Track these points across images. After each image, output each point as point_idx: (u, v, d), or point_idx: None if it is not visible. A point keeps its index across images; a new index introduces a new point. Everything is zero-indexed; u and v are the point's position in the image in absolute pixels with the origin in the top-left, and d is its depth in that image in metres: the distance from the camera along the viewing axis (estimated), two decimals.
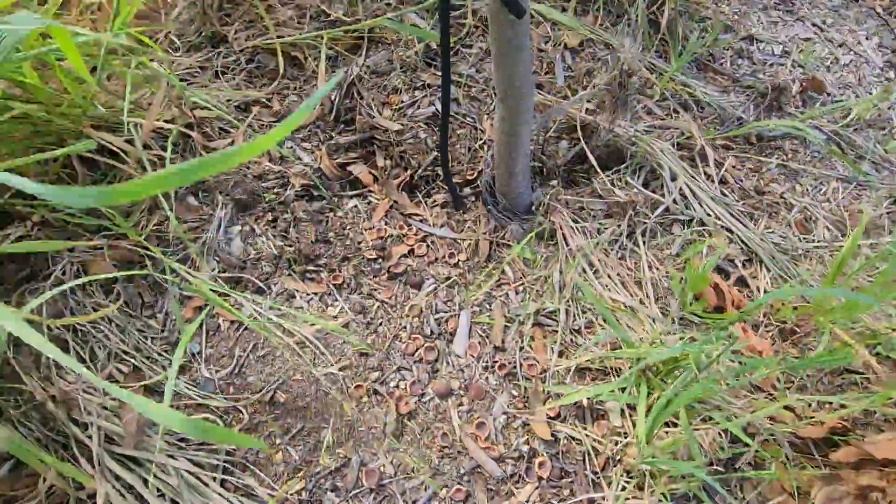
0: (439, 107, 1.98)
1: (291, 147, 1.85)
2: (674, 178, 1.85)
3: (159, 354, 1.44)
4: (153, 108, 1.59)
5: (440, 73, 1.96)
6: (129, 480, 1.21)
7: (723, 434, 1.31)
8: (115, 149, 1.54)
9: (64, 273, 1.46)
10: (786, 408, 1.43)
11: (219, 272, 1.57)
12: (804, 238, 1.85)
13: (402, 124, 1.92)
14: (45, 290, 1.28)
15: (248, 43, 2.03)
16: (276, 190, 1.75)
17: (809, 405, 1.48)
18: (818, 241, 1.85)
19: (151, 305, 1.53)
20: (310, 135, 1.89)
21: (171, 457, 1.26)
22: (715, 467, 1.26)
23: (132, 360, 1.40)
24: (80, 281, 1.34)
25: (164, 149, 1.66)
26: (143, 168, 1.61)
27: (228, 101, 1.90)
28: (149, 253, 1.55)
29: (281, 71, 1.98)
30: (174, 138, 1.68)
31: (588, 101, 1.95)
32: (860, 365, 1.57)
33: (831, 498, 1.34)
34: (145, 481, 1.23)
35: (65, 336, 1.36)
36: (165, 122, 1.69)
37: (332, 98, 1.93)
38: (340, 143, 1.87)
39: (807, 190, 2.01)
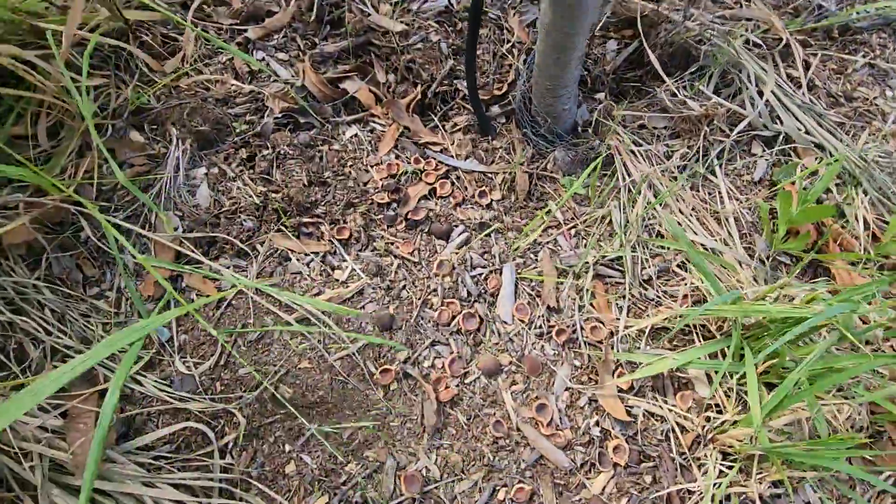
0: None
1: (263, 59, 1.40)
2: (755, 84, 1.47)
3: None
4: (74, 9, 1.10)
5: None
6: None
7: (861, 410, 1.05)
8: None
9: None
10: None
11: (184, 231, 1.18)
12: None
13: (407, 23, 1.46)
14: None
15: None
16: (248, 118, 1.32)
17: None
18: None
19: (97, 281, 1.15)
20: (286, 41, 1.43)
21: (149, 484, 0.94)
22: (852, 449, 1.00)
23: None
24: None
25: (97, 68, 1.21)
26: (66, 93, 1.16)
27: None
28: (83, 210, 1.14)
29: None
30: (103, 50, 1.21)
31: None
32: None
33: None
34: None
35: None
36: (90, 31, 1.21)
37: None
38: (327, 53, 1.42)
39: None
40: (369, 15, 1.44)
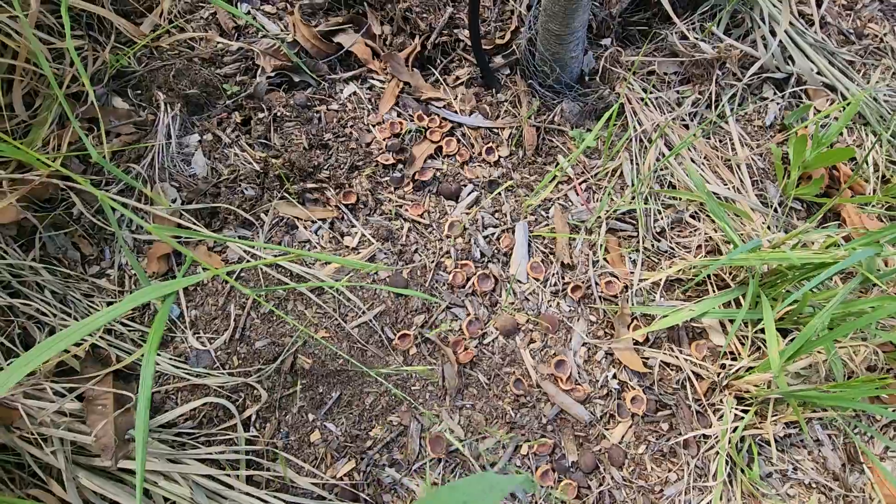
0: None
1: (249, 12, 1.29)
2: (768, 23, 1.41)
3: (123, 325, 1.05)
4: None
5: None
6: (123, 501, 0.89)
7: (878, 352, 1.07)
8: None
9: None
10: None
11: (183, 203, 1.12)
12: None
13: None
14: None
15: None
16: (239, 78, 1.24)
17: None
18: None
19: (96, 259, 1.09)
20: None
21: (174, 461, 0.93)
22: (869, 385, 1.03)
23: (86, 339, 1.01)
24: None
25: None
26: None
27: None
28: (73, 185, 1.08)
29: None
30: (74, 7, 1.10)
31: None
32: None
33: None
34: (147, 493, 0.92)
35: None
36: None
37: None
38: (317, 3, 1.32)
39: None
40: None
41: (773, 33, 1.38)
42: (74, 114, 1.14)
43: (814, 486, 1.14)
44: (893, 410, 1.14)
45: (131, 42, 1.20)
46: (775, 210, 1.29)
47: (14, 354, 0.94)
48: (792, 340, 1.04)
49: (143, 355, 0.87)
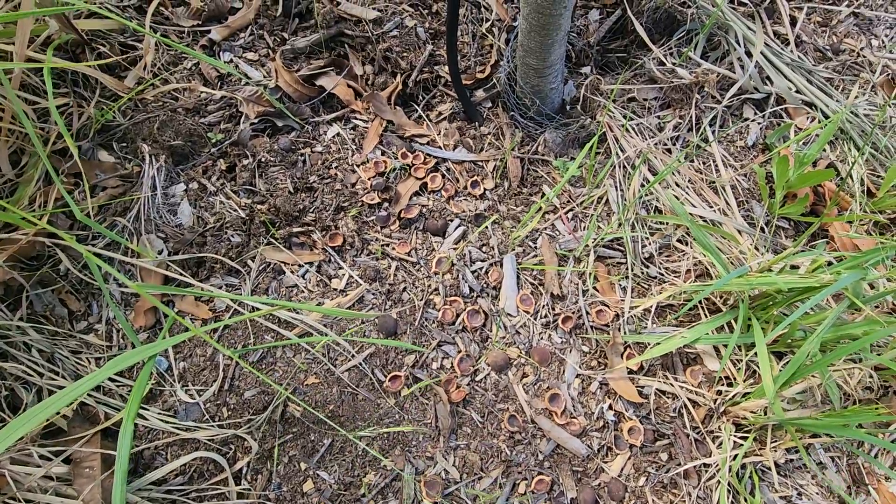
0: None
1: (231, 61, 1.32)
2: (743, 45, 1.43)
3: (111, 380, 1.04)
4: (23, 26, 1.01)
5: None
6: None
7: (872, 373, 1.06)
8: None
9: None
10: None
11: (169, 254, 1.13)
12: (894, 103, 1.51)
13: (380, 9, 1.38)
14: None
15: None
16: (223, 126, 1.25)
17: None
18: None
19: (84, 315, 1.09)
20: (253, 39, 1.35)
21: None
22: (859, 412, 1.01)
23: None
24: None
25: (53, 86, 1.12)
26: (25, 116, 1.08)
27: (122, 1, 1.30)
28: (59, 241, 1.08)
29: None
30: (50, 63, 1.12)
31: None
32: None
33: None
34: None
35: None
36: (42, 47, 1.12)
37: None
38: (299, 48, 1.34)
39: (883, 42, 1.64)
40: (339, 4, 1.36)
41: (749, 55, 1.40)
42: (60, 170, 1.15)
43: None
44: (891, 438, 1.12)
45: (116, 96, 1.22)
46: (762, 230, 1.29)
47: (0, 419, 0.94)
48: (786, 364, 1.03)
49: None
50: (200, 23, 1.32)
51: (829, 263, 1.07)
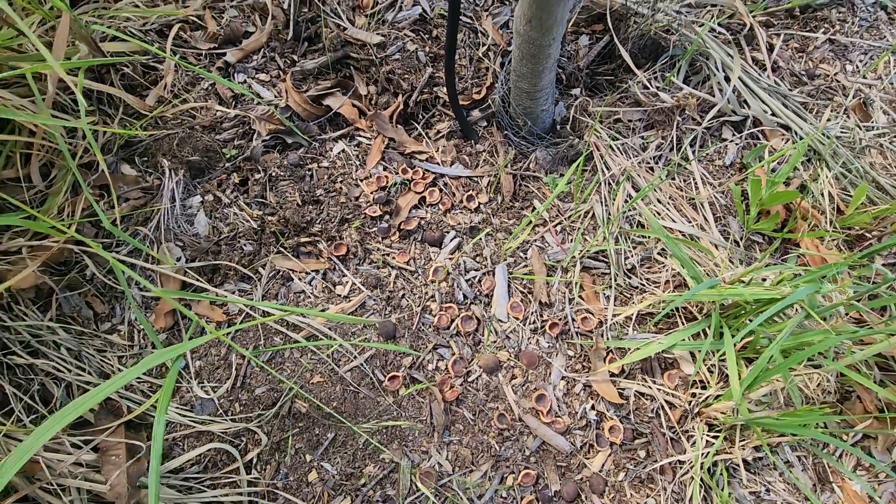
0: (428, 5, 1.54)
1: (245, 81, 1.42)
2: (722, 70, 1.53)
3: (135, 378, 1.13)
4: (57, 49, 1.11)
5: None
6: None
7: (830, 377, 1.15)
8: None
9: None
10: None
11: (187, 261, 1.22)
12: (864, 126, 1.60)
13: (383, 35, 1.48)
14: None
15: None
16: (237, 142, 1.35)
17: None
18: (879, 128, 1.61)
19: (108, 317, 1.19)
20: (265, 62, 1.45)
21: None
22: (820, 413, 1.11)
23: None
24: None
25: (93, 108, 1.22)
26: (53, 138, 1.18)
27: (144, 25, 1.40)
28: (86, 248, 1.18)
29: None
30: (82, 85, 1.22)
31: None
32: None
33: None
34: None
35: None
36: (69, 72, 1.22)
37: (285, 6, 1.46)
38: (307, 69, 1.44)
39: (857, 67, 1.74)
40: (345, 29, 1.47)
41: (728, 80, 1.50)
42: (87, 182, 1.25)
43: None
44: (851, 440, 1.22)
45: (138, 114, 1.32)
46: (737, 244, 1.39)
47: (34, 411, 1.03)
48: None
49: (152, 406, 0.96)
50: (217, 46, 1.42)
51: (797, 276, 1.16)
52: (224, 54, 1.41)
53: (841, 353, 1.15)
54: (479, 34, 1.56)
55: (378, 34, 1.47)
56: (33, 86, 1.10)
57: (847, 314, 1.29)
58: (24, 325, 1.10)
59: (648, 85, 1.49)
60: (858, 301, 1.10)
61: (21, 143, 1.24)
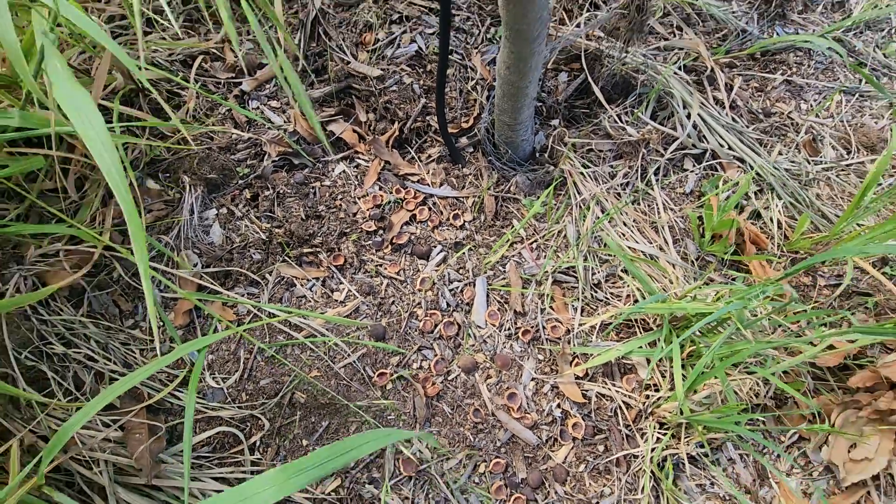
0: (423, 44, 1.72)
1: (258, 108, 1.59)
2: (684, 107, 1.71)
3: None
4: (99, 78, 1.27)
5: (418, 2, 1.69)
6: None
7: (760, 382, 1.32)
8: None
9: (18, 291, 1.25)
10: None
11: (203, 267, 1.38)
12: (813, 160, 1.79)
13: (383, 69, 1.66)
14: None
15: None
16: (249, 162, 1.52)
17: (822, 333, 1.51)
18: (826, 162, 1.79)
19: (132, 314, 1.35)
20: (276, 90, 1.62)
21: (196, 479, 1.16)
22: (752, 414, 1.27)
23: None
24: (39, 295, 1.14)
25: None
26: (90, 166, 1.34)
27: (170, 56, 1.58)
28: (115, 254, 1.34)
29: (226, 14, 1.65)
30: (118, 109, 1.40)
31: (597, 28, 1.73)
32: (867, 287, 1.59)
33: (849, 421, 1.39)
34: None
35: (40, 365, 1.19)
36: (105, 98, 1.39)
37: (296, 41, 1.64)
38: (314, 98, 1.62)
39: (811, 106, 1.93)
40: (349, 62, 1.64)
41: (689, 116, 1.68)
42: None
43: (727, 498, 1.36)
44: (788, 441, 1.38)
45: (163, 135, 1.49)
46: (692, 264, 1.56)
47: (69, 393, 1.19)
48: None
49: (169, 392, 1.11)
50: (234, 75, 1.60)
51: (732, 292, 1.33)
52: (240, 83, 1.59)
53: (777, 362, 1.31)
54: (469, 69, 1.74)
55: (378, 68, 1.65)
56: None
57: (779, 327, 1.46)
58: (59, 319, 1.26)
59: (618, 119, 1.67)
60: (780, 315, 1.27)
61: (59, 158, 1.40)
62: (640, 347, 1.40)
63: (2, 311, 1.09)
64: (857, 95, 1.97)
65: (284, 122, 1.58)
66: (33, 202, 1.33)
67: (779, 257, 1.62)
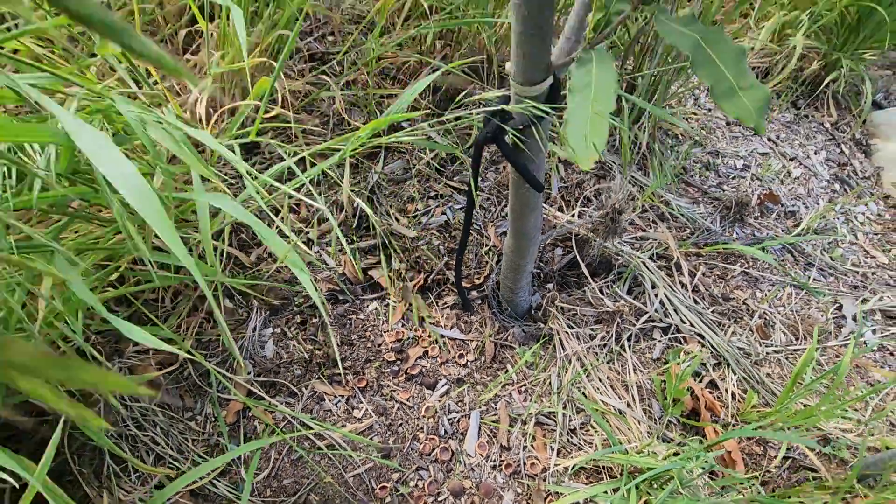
0: (451, 216, 2.22)
1: (318, 252, 2.05)
2: (654, 287, 2.12)
3: (199, 457, 1.58)
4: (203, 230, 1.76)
5: (452, 184, 2.22)
6: None
7: None
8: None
9: None
10: None
11: (255, 375, 1.73)
12: (764, 343, 2.13)
13: (417, 232, 2.15)
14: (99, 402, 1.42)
15: (278, 150, 2.24)
16: (304, 293, 1.94)
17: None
18: (776, 346, 2.13)
19: (192, 408, 1.67)
20: (333, 240, 2.10)
21: None
22: None
23: (177, 464, 1.54)
24: (131, 383, 1.49)
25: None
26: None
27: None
28: (189, 357, 1.70)
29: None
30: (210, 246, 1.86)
31: (582, 228, 2.23)
32: (812, 463, 1.83)
33: None
34: None
35: (120, 444, 1.50)
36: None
37: (355, 205, 2.15)
38: (361, 248, 2.08)
39: (765, 295, 2.32)
40: (391, 224, 2.13)
41: (657, 295, 2.08)
42: (201, 309, 1.82)
43: None
44: None
45: (243, 266, 1.94)
46: (656, 422, 1.84)
47: (138, 470, 1.47)
48: None
49: (209, 480, 1.39)
50: (304, 226, 2.09)
51: (679, 452, 1.60)
52: (308, 231, 2.07)
53: None
54: (484, 237, 2.21)
55: (413, 230, 2.13)
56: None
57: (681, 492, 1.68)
58: (137, 406, 1.59)
59: (598, 292, 2.08)
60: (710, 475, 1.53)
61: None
62: (605, 492, 1.64)
63: (107, 388, 1.44)
64: (805, 291, 2.37)
65: (336, 264, 2.02)
66: (138, 307, 1.74)
67: (732, 425, 1.89)
